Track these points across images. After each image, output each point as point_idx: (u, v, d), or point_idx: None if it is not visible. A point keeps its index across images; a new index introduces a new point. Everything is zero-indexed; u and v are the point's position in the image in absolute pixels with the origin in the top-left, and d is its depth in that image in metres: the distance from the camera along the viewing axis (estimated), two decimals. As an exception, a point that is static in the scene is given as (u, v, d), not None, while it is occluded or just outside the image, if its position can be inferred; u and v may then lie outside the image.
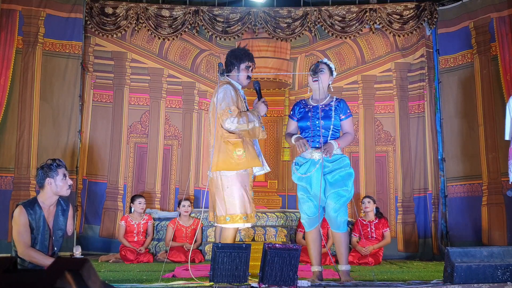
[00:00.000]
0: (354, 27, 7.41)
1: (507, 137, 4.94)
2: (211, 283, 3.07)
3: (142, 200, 6.42)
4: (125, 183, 7.34)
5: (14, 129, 6.64)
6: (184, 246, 6.24)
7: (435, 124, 7.32)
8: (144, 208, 6.44)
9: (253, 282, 3.14)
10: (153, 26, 7.38)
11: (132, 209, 6.39)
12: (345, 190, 3.68)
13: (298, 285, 3.08)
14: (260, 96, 3.91)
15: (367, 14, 7.38)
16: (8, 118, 6.63)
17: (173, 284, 3.41)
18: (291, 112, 4.00)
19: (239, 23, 7.46)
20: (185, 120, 7.71)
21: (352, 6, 7.48)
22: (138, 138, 7.55)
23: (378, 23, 7.42)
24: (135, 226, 6.32)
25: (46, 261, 3.28)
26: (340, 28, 7.43)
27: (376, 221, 6.26)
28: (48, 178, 3.44)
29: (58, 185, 3.46)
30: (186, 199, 6.63)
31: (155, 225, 6.64)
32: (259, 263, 3.04)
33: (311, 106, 3.88)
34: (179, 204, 6.58)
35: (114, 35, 7.38)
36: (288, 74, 7.84)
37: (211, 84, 7.65)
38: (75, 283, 1.57)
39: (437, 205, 7.04)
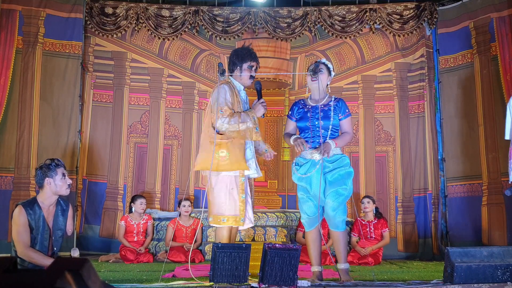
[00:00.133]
0: (354, 27, 7.41)
1: (507, 137, 4.94)
2: (211, 283, 3.07)
3: (143, 200, 6.43)
4: (125, 183, 7.34)
5: (14, 129, 6.64)
6: (184, 246, 6.25)
7: (435, 124, 7.32)
8: (144, 208, 6.45)
9: (253, 282, 3.13)
10: (153, 26, 7.38)
11: (133, 209, 6.39)
12: (343, 189, 3.68)
13: (298, 285, 3.08)
14: (260, 97, 3.89)
15: (367, 14, 7.38)
16: (8, 118, 6.63)
17: (173, 284, 3.41)
18: (290, 112, 3.99)
19: (239, 23, 7.46)
20: (185, 120, 7.71)
21: (352, 6, 7.47)
22: (138, 138, 7.55)
23: (378, 23, 7.42)
24: (135, 226, 6.32)
25: (45, 261, 3.28)
26: (340, 28, 7.42)
27: (375, 221, 6.26)
28: (47, 178, 3.44)
29: (57, 184, 3.46)
30: (186, 199, 6.64)
31: (155, 225, 6.64)
32: (259, 263, 3.03)
33: (310, 106, 3.87)
34: (179, 204, 6.59)
35: (114, 35, 7.38)
36: (288, 74, 7.84)
37: (211, 84, 7.64)
38: (75, 283, 1.57)
39: (437, 205, 7.04)
